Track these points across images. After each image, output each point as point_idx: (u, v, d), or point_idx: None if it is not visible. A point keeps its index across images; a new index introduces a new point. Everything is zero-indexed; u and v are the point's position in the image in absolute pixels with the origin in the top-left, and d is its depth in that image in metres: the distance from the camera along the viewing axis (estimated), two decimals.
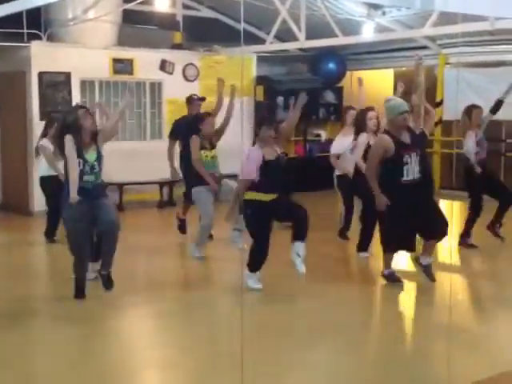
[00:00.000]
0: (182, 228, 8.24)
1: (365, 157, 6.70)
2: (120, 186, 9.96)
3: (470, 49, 11.08)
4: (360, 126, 7.14)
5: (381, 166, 5.91)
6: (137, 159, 10.31)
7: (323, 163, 9.17)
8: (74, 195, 5.38)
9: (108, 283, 5.70)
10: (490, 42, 10.78)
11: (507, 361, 4.49)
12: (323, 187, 10.02)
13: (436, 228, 6.01)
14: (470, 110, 7.57)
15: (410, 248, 6.15)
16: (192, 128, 7.42)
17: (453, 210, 10.06)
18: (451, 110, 10.95)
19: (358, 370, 4.43)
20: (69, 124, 5.47)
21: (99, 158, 5.56)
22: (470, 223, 7.75)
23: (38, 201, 9.84)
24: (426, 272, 6.19)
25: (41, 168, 7.89)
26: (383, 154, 5.86)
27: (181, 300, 6.01)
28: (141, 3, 9.68)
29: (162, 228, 9.10)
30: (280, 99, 12.18)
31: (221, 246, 7.61)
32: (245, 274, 5.94)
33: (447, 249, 7.99)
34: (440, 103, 11.58)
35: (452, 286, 6.24)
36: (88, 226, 5.59)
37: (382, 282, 6.27)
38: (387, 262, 6.20)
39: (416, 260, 6.31)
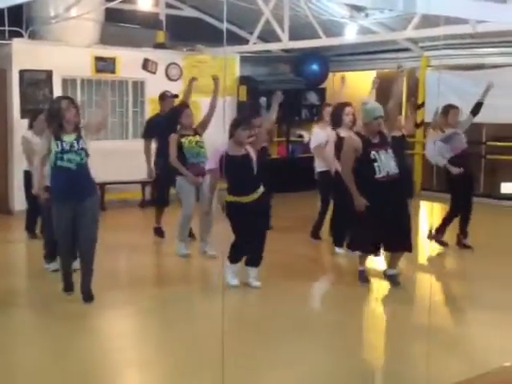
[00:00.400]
0: (159, 233, 8.18)
1: (337, 155, 6.81)
2: (102, 186, 9.90)
3: (452, 51, 11.18)
4: (336, 121, 7.20)
5: (354, 166, 5.93)
6: (119, 158, 10.26)
7: (306, 164, 9.18)
8: (35, 188, 5.59)
9: (88, 298, 5.63)
10: (471, 44, 10.87)
11: (485, 362, 4.53)
12: (306, 188, 10.04)
13: (401, 242, 6.00)
14: (447, 110, 7.68)
15: (376, 253, 6.15)
16: (168, 125, 7.39)
17: (433, 211, 10.12)
18: (433, 112, 11.00)
19: (334, 369, 4.44)
20: (52, 113, 5.49)
21: (79, 139, 5.43)
22: (446, 221, 7.81)
23: (19, 199, 9.77)
24: (391, 280, 6.23)
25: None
26: (355, 155, 5.90)
27: (160, 298, 6.01)
28: (123, 2, 9.65)
29: (144, 227, 9.05)
30: (263, 99, 12.17)
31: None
32: (225, 266, 6.06)
33: (427, 250, 8.09)
34: (422, 105, 11.66)
35: (431, 286, 6.29)
36: (72, 224, 5.52)
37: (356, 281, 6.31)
38: (360, 260, 6.29)
39: (384, 272, 6.33)
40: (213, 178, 6.24)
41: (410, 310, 5.80)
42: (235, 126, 6.01)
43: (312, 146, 7.89)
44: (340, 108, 7.27)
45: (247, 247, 6.00)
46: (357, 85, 13.47)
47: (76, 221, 5.48)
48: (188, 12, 12.08)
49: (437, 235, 7.79)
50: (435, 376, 4.11)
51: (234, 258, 6.04)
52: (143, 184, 10.49)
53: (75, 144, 5.41)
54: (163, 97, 8.46)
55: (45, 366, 4.45)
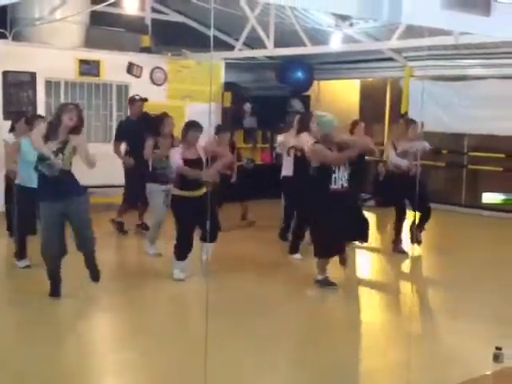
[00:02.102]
0: (120, 228, 8.57)
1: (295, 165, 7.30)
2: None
3: (435, 62, 11.28)
4: (303, 128, 7.38)
5: (310, 174, 6.24)
6: (102, 162, 10.14)
7: None
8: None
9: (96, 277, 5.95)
10: (454, 56, 10.98)
11: (463, 371, 4.56)
12: None
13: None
14: (409, 123, 8.10)
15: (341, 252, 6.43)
16: (139, 129, 7.71)
17: (415, 220, 10.16)
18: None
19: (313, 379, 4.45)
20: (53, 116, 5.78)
21: (65, 147, 5.53)
22: (396, 231, 8.06)
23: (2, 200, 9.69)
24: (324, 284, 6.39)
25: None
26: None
27: (135, 300, 6.00)
28: (109, 5, 9.61)
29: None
30: (247, 106, 12.19)
31: None
32: (172, 262, 6.42)
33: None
34: (405, 114, 11.73)
35: (412, 294, 6.33)
36: (60, 225, 5.64)
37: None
38: (321, 268, 6.39)
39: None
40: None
41: (392, 317, 5.83)
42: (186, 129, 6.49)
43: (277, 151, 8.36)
44: (308, 116, 7.62)
45: (191, 241, 6.33)
46: (340, 94, 13.56)
47: (65, 215, 5.59)
48: (173, 17, 12.08)
49: (396, 247, 8.01)
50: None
51: (180, 255, 6.37)
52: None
53: (59, 151, 5.49)
54: (132, 100, 8.77)
55: (20, 372, 4.41)
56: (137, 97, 8.73)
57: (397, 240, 8.02)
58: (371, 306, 6.31)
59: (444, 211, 11.02)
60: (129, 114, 9.02)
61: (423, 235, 8.26)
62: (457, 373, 4.51)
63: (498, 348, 4.60)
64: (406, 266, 7.92)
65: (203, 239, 6.48)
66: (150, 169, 7.29)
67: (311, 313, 5.96)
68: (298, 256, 7.54)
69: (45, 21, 10.00)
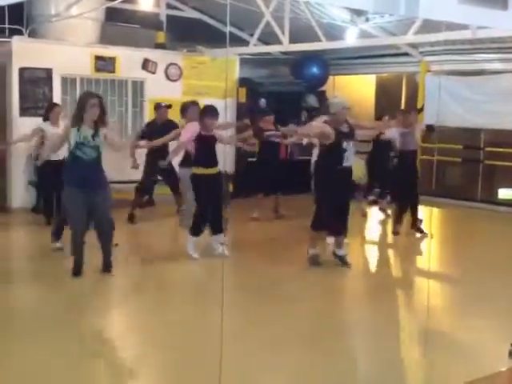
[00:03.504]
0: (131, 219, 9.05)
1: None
2: None
3: (451, 57, 11.20)
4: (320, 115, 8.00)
5: (321, 152, 6.79)
6: (118, 158, 10.23)
7: (304, 166, 9.24)
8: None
9: (108, 268, 6.36)
10: (470, 50, 10.89)
11: (480, 367, 4.54)
12: (304, 190, 10.01)
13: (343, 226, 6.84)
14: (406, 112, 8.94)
15: (337, 231, 6.81)
16: (164, 131, 8.13)
17: (431, 216, 10.13)
18: (432, 117, 11.05)
19: (325, 373, 4.45)
20: (77, 107, 6.07)
21: (96, 135, 5.97)
22: (398, 215, 8.68)
23: (18, 197, 9.78)
24: (342, 260, 6.90)
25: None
26: (318, 136, 6.75)
27: (154, 296, 6.02)
28: (124, 1, 9.65)
29: (141, 229, 9.04)
30: (262, 101, 12.17)
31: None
32: (186, 238, 6.99)
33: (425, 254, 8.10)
34: (421, 109, 11.67)
35: (428, 290, 6.30)
36: (85, 210, 6.05)
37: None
38: (313, 242, 6.79)
39: (333, 253, 6.99)
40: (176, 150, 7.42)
41: (408, 313, 5.81)
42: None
43: None
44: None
45: (207, 217, 6.92)
46: (355, 89, 13.51)
47: (89, 204, 6.01)
48: (189, 13, 12.09)
49: (394, 228, 8.63)
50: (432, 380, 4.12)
51: (194, 231, 6.93)
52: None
53: (91, 140, 5.96)
54: (157, 106, 9.34)
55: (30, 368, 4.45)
56: (162, 104, 9.29)
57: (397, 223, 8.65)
58: (385, 300, 6.28)
59: (460, 207, 10.99)
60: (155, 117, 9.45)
61: (439, 230, 8.24)
62: (472, 369, 4.48)
63: None
64: (419, 261, 7.89)
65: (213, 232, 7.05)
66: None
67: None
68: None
69: (60, 17, 10.05)
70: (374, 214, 10.15)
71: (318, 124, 6.97)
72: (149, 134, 8.88)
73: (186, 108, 8.03)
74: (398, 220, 8.65)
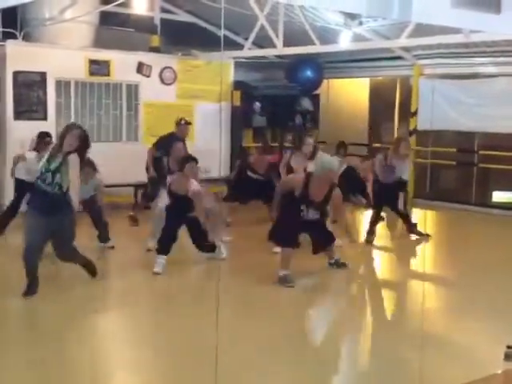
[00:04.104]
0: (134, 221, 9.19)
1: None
2: None
3: (445, 60, 11.23)
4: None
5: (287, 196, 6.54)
6: (112, 161, 10.23)
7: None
8: None
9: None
10: (464, 54, 10.93)
11: (476, 369, 4.55)
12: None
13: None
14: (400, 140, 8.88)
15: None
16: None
17: (426, 219, 10.16)
18: (426, 121, 11.09)
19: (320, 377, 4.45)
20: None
21: (58, 170, 5.68)
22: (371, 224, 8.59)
23: (11, 196, 9.74)
24: (338, 265, 6.91)
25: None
26: (291, 189, 6.48)
27: (151, 301, 5.99)
28: (118, 5, 9.64)
29: (135, 231, 9.03)
30: (257, 105, 12.20)
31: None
32: (155, 257, 6.75)
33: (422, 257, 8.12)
34: (415, 113, 11.72)
35: (423, 293, 6.31)
36: (45, 235, 5.81)
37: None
38: (286, 264, 6.48)
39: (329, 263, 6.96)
40: None
41: (403, 315, 5.82)
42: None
43: None
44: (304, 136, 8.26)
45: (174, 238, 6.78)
46: (349, 92, 13.54)
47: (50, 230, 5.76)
48: (183, 17, 12.09)
49: (368, 237, 8.45)
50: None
51: (161, 249, 6.76)
52: (136, 187, 10.46)
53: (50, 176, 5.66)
54: (178, 123, 9.22)
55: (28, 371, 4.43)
56: (183, 121, 9.22)
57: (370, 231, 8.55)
58: (381, 303, 6.29)
59: (454, 210, 11.02)
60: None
61: (433, 233, 8.25)
62: (467, 372, 4.49)
63: (509, 347, 4.59)
64: (415, 263, 7.91)
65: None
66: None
67: None
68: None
69: (55, 21, 10.05)
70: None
71: (293, 178, 6.91)
72: (164, 146, 8.82)
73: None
74: (370, 229, 8.52)
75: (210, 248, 7.05)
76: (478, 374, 4.41)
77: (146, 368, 4.53)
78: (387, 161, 8.46)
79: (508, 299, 6.20)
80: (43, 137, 8.06)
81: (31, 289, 5.78)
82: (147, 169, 9.09)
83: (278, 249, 7.26)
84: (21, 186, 8.03)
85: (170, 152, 8.30)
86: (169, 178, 7.07)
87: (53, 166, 5.65)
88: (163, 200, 7.28)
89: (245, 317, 5.56)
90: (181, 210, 6.79)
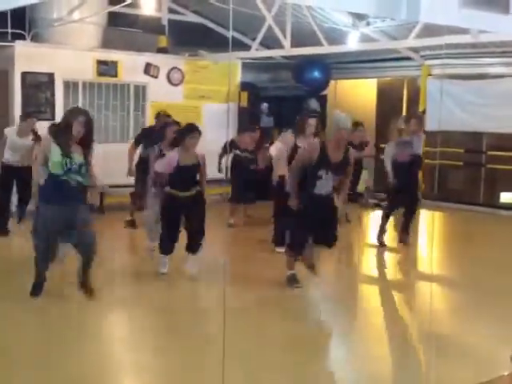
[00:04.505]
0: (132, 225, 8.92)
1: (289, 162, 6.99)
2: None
3: (453, 61, 11.20)
4: (299, 130, 7.33)
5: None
6: (119, 161, 10.24)
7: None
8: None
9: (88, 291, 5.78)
10: (472, 54, 10.90)
11: (483, 371, 4.53)
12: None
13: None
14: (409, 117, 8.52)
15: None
16: (155, 138, 7.63)
17: (434, 220, 10.13)
18: (433, 121, 11.04)
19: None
20: (63, 127, 5.47)
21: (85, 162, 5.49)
22: (382, 223, 8.25)
23: None
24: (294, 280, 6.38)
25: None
26: (307, 160, 5.99)
27: (154, 302, 6.01)
28: (126, 6, 9.67)
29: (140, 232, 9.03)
30: (264, 106, 12.20)
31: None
32: (158, 257, 6.56)
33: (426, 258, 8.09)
34: (422, 113, 11.67)
35: (431, 295, 6.29)
36: (59, 229, 5.53)
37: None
38: (291, 264, 6.30)
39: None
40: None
41: (410, 317, 5.80)
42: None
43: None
44: (304, 117, 7.51)
45: (175, 238, 6.46)
46: (357, 93, 13.51)
47: (69, 226, 5.47)
48: (190, 17, 12.12)
49: (378, 238, 8.18)
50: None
51: (163, 249, 6.55)
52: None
53: (83, 167, 5.42)
54: (157, 116, 9.03)
55: (34, 373, 4.45)
56: (161, 113, 8.95)
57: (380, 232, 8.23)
58: (389, 305, 6.28)
59: (462, 210, 10.98)
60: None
61: (442, 234, 8.23)
62: (475, 373, 4.48)
63: None
64: (421, 264, 7.88)
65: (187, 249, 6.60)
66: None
67: None
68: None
69: (63, 22, 10.08)
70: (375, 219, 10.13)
71: (308, 146, 6.32)
72: (145, 140, 8.60)
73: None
74: (381, 229, 8.25)
75: (197, 248, 6.64)
76: (485, 375, 4.39)
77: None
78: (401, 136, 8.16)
79: None
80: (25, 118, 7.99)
81: (38, 289, 5.69)
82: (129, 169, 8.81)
83: (281, 249, 7.23)
84: (9, 173, 7.79)
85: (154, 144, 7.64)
86: (171, 154, 6.49)
87: (77, 158, 5.36)
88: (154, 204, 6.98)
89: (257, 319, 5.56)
90: (186, 182, 6.39)
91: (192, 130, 6.44)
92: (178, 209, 6.44)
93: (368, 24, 10.51)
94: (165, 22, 11.57)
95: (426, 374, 4.18)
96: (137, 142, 8.90)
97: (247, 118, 11.93)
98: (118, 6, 9.54)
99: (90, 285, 5.78)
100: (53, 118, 9.99)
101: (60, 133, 5.40)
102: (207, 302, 6.13)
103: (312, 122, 7.35)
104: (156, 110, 10.91)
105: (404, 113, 12.59)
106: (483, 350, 4.95)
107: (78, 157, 5.39)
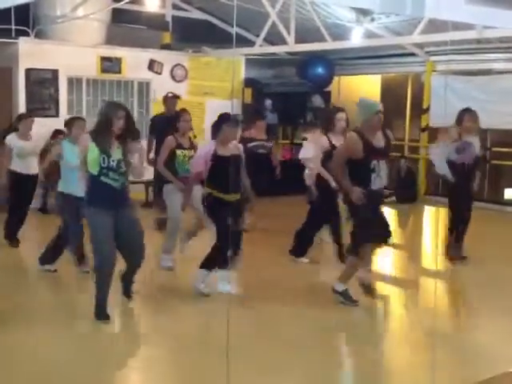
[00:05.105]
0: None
1: (323, 163, 6.58)
2: None
3: (457, 57, 11.17)
4: (328, 126, 6.75)
5: (348, 169, 5.50)
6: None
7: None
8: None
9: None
10: (476, 50, 10.87)
11: (488, 368, 4.52)
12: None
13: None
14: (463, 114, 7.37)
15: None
16: (168, 127, 7.11)
17: (438, 216, 10.09)
18: (438, 117, 11.02)
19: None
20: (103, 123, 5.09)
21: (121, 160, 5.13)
22: (450, 235, 7.48)
23: None
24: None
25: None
26: (349, 154, 5.48)
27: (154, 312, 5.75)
28: (130, 2, 9.68)
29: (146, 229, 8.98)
30: (268, 102, 12.19)
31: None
32: (198, 273, 5.76)
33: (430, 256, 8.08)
34: (427, 110, 11.66)
35: (435, 293, 6.27)
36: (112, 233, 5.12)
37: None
38: (349, 275, 5.71)
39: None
40: (192, 182, 6.10)
41: (415, 313, 5.79)
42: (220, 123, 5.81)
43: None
44: (332, 112, 6.93)
45: (226, 248, 5.51)
46: (361, 89, 13.49)
47: (118, 230, 5.12)
48: (194, 14, 12.10)
49: (447, 253, 7.35)
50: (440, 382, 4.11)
51: (210, 264, 5.72)
52: (146, 184, 10.49)
53: (122, 164, 5.09)
54: (165, 98, 8.97)
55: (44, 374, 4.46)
56: (170, 94, 8.94)
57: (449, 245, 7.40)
58: (392, 302, 6.27)
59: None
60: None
61: (445, 230, 8.15)
62: (480, 370, 4.47)
63: None
64: (426, 263, 7.87)
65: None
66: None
67: None
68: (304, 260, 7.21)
69: (67, 18, 10.08)
70: None
71: (347, 140, 5.70)
72: (158, 130, 8.26)
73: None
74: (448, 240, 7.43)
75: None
76: (490, 372, 4.39)
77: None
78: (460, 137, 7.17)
79: None
80: (22, 118, 7.48)
81: (104, 311, 5.15)
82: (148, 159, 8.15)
83: (305, 259, 7.04)
84: (20, 183, 7.29)
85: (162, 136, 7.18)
86: (209, 146, 5.81)
87: (115, 156, 5.03)
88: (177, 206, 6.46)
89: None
90: (226, 175, 5.47)
91: (230, 119, 5.85)
92: (227, 212, 5.62)
93: (372, 20, 10.49)
94: (168, 19, 11.57)
95: (430, 371, 4.16)
96: (152, 132, 8.68)
97: (251, 115, 11.92)
98: (122, 3, 9.54)
99: (132, 289, 5.54)
100: (57, 115, 10.02)
101: (99, 130, 5.07)
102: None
103: (341, 116, 6.76)
104: (159, 106, 10.95)
105: (408, 109, 12.60)
106: (488, 347, 4.94)
107: (116, 154, 5.06)
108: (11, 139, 7.27)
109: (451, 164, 7.17)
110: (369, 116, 5.52)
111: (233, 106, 10.01)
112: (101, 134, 5.04)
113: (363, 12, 10.18)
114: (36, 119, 9.54)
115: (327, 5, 10.32)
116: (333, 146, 6.44)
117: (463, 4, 3.64)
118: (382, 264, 7.27)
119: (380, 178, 5.51)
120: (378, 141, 5.54)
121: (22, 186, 7.32)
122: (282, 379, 4.31)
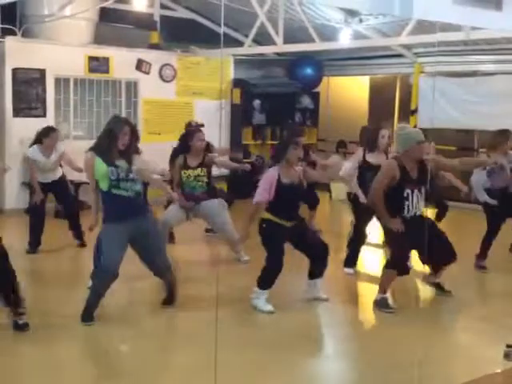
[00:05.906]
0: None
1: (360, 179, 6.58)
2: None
3: (445, 58, 11.21)
4: (372, 145, 6.65)
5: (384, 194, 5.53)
6: None
7: None
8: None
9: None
10: (464, 52, 10.91)
11: (474, 369, 4.53)
12: None
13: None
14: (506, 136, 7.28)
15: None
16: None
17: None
18: (426, 119, 11.06)
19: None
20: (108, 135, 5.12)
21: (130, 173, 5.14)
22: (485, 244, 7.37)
23: (12, 198, 9.73)
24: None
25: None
26: (389, 180, 5.49)
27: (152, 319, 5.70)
28: (118, 2, 9.64)
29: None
30: (257, 102, 12.18)
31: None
32: (254, 293, 5.62)
33: None
34: (414, 111, 11.69)
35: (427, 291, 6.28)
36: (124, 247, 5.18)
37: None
38: (386, 286, 5.79)
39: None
40: (254, 212, 5.71)
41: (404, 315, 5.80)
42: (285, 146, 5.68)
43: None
44: (375, 131, 6.75)
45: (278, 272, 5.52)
46: (349, 91, 13.52)
47: (136, 242, 5.17)
48: (182, 13, 12.06)
49: (477, 261, 7.27)
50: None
51: (265, 283, 5.59)
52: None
53: (130, 171, 5.10)
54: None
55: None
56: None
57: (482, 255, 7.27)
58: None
59: (453, 208, 10.95)
60: None
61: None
62: (467, 370, 4.49)
63: (508, 346, 4.57)
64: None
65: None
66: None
67: None
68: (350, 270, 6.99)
69: (54, 17, 10.01)
70: None
71: (388, 166, 5.61)
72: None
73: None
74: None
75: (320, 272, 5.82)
76: (478, 372, 4.40)
77: None
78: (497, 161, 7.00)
79: (510, 298, 6.18)
80: (49, 132, 7.39)
81: (91, 315, 5.16)
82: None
83: (350, 270, 6.87)
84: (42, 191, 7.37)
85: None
86: (271, 171, 5.62)
87: (123, 166, 5.06)
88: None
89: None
90: (291, 205, 5.60)
91: (296, 142, 5.71)
92: (284, 237, 5.61)
93: (360, 21, 10.49)
94: (157, 18, 11.53)
95: (418, 371, 4.17)
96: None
97: (240, 115, 11.92)
98: (110, 2, 9.50)
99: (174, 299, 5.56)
100: (44, 115, 9.94)
101: (104, 145, 5.09)
102: None
103: (385, 132, 6.64)
104: (148, 106, 10.93)
105: (396, 110, 12.63)
106: (476, 348, 4.96)
107: (123, 164, 5.09)
108: (33, 152, 7.31)
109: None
110: (410, 146, 5.52)
111: (221, 107, 9.97)
112: (106, 148, 5.06)
113: (351, 13, 10.20)
114: (23, 119, 9.53)
115: (316, 5, 10.33)
116: (366, 163, 6.56)
117: (451, 5, 3.65)
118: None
119: (413, 207, 5.54)
120: (413, 171, 5.54)
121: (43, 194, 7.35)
122: None
